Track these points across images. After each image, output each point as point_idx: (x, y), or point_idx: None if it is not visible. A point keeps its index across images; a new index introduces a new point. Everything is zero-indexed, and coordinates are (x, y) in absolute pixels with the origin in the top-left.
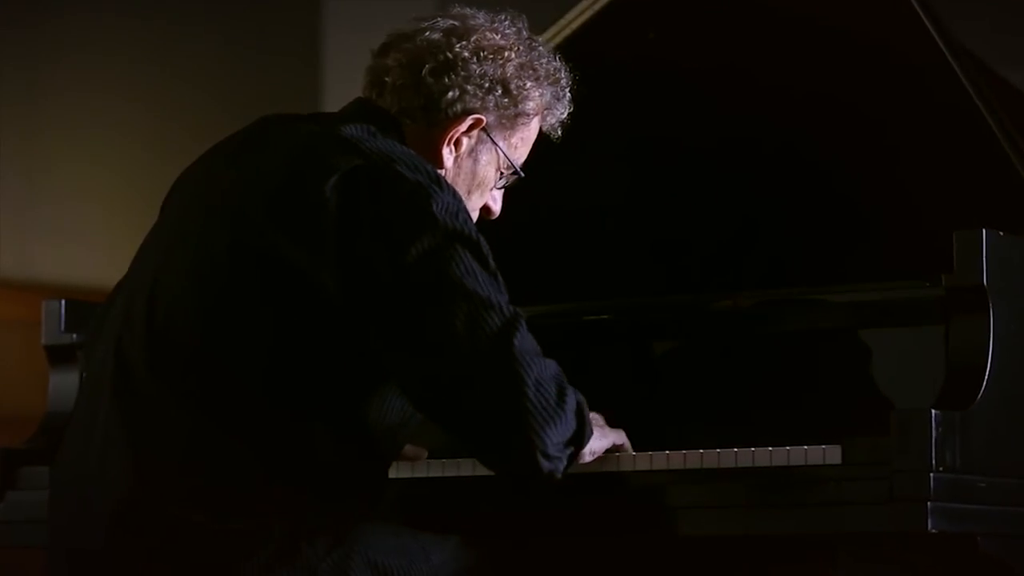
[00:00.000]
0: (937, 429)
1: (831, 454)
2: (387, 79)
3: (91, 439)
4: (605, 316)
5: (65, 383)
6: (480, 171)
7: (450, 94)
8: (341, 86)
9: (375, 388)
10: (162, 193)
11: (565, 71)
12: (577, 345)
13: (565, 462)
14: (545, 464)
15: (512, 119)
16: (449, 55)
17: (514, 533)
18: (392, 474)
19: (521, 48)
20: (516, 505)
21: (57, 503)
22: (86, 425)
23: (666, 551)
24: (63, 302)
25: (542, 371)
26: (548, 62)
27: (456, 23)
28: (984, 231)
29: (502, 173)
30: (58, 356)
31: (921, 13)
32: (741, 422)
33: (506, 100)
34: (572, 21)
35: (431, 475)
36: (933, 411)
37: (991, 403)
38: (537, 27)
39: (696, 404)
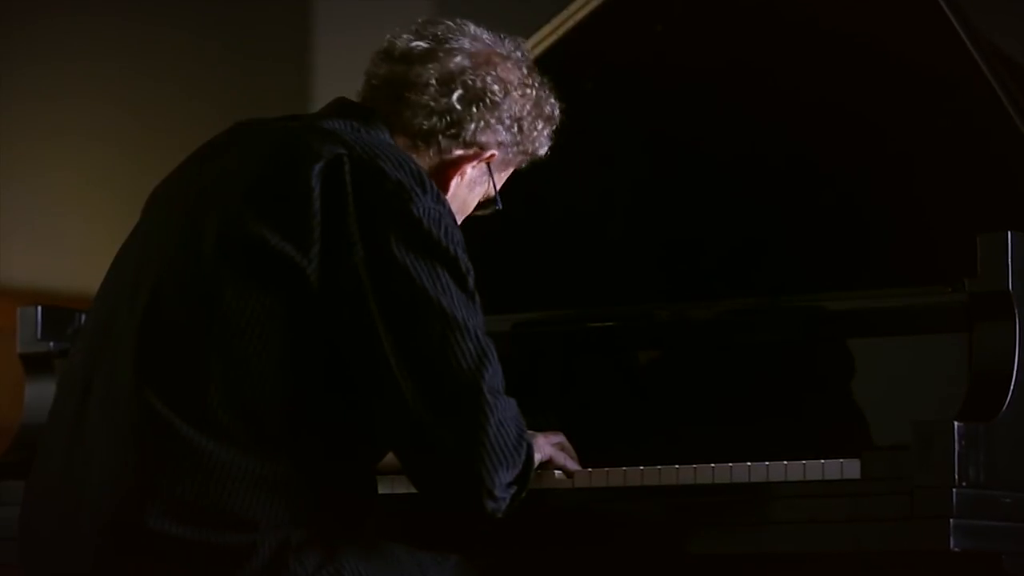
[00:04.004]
0: (960, 442)
1: (849, 468)
2: (410, 95)
3: (73, 454)
4: (610, 323)
5: (42, 393)
6: (470, 201)
7: (474, 125)
8: (332, 89)
9: (362, 390)
10: (142, 198)
11: (559, 111)
12: (581, 352)
13: (508, 501)
14: (490, 504)
15: (514, 156)
16: (478, 84)
17: (516, 553)
18: (388, 490)
19: (535, 84)
20: (519, 524)
21: (33, 521)
22: (67, 438)
23: (675, 569)
24: (39, 308)
25: (505, 411)
26: (549, 99)
27: (477, 48)
28: (1009, 233)
29: (481, 203)
30: (34, 365)
31: (944, 8)
32: (753, 434)
33: (519, 138)
34: (575, 13)
35: None
36: (956, 423)
37: (1017, 414)
38: (537, 19)
39: (705, 415)
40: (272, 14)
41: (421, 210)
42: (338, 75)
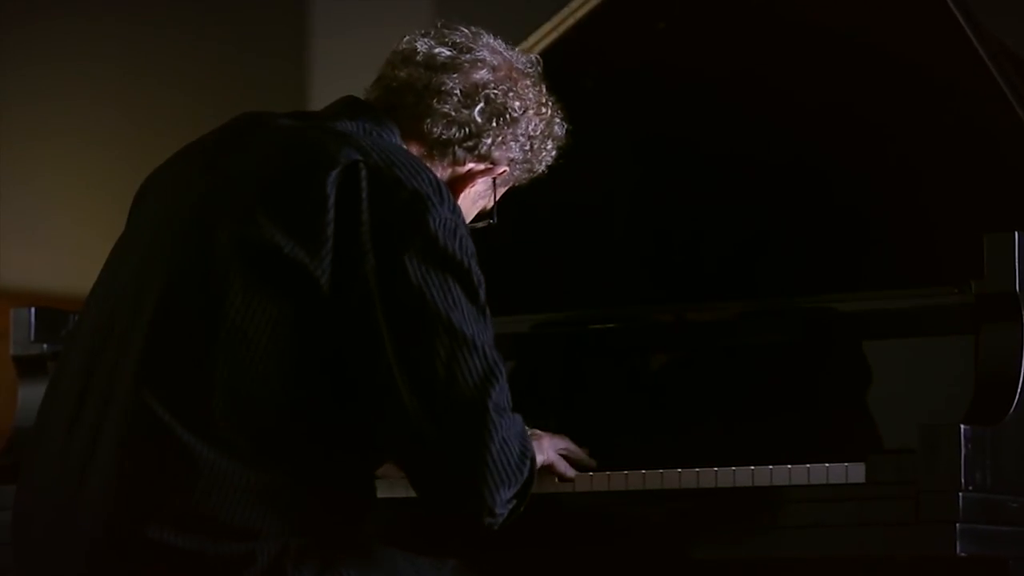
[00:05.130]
0: (967, 446)
1: (854, 472)
2: (432, 102)
3: (68, 458)
4: (611, 324)
5: (35, 396)
6: (469, 214)
7: (491, 139)
8: (329, 87)
9: (367, 401)
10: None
11: (564, 130)
12: (582, 355)
13: (506, 515)
14: (488, 520)
15: (520, 173)
16: (500, 100)
17: (515, 557)
18: (386, 494)
19: (549, 104)
20: (519, 528)
21: (28, 526)
22: (62, 442)
23: (678, 574)
24: (33, 310)
25: (509, 429)
26: (558, 120)
27: (499, 62)
28: (1016, 234)
29: (476, 216)
30: (28, 367)
31: (951, 6)
32: (757, 437)
33: (529, 156)
34: (576, 11)
35: None
36: (962, 426)
37: None
38: (538, 17)
39: (708, 418)
40: (269, 14)
41: (437, 221)
42: (335, 74)
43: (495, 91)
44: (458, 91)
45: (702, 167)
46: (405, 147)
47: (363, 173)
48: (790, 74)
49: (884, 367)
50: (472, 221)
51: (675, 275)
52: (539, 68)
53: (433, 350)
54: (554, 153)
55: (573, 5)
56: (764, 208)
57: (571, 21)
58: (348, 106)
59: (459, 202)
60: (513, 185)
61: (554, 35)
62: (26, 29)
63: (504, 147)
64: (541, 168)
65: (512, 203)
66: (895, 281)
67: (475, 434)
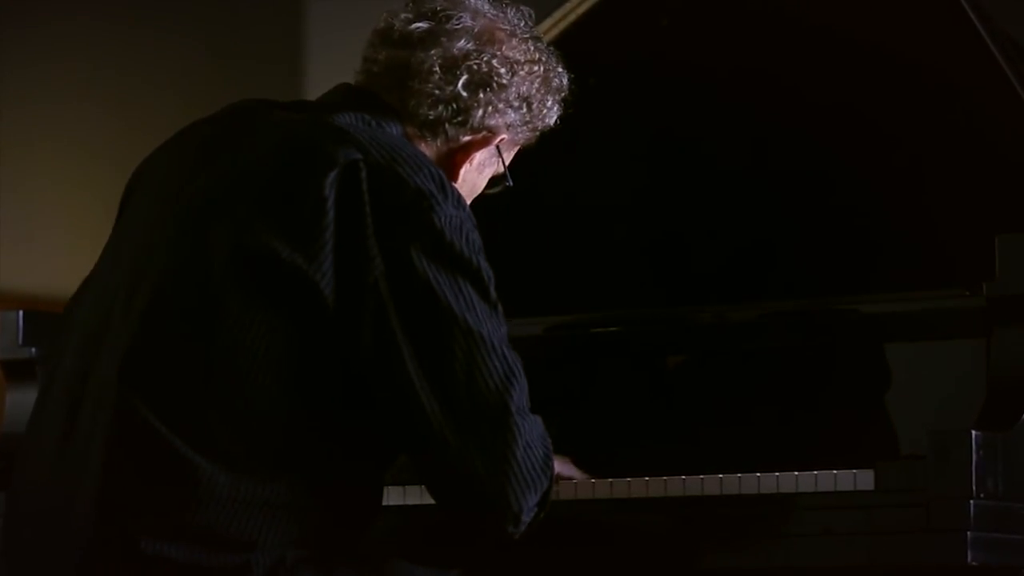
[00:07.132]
0: (978, 452)
1: (863, 479)
2: (413, 83)
3: (62, 466)
4: (614, 328)
5: (23, 401)
6: (480, 183)
7: (481, 110)
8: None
9: (371, 409)
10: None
11: (567, 79)
12: (585, 359)
13: (529, 523)
14: (512, 528)
15: (524, 134)
16: (484, 68)
17: (516, 567)
18: (386, 501)
19: (542, 59)
20: (524, 540)
21: (17, 536)
22: (56, 450)
23: None
24: (20, 313)
25: (532, 431)
26: (556, 70)
27: (481, 25)
28: None
29: (491, 181)
30: (15, 372)
31: (965, 4)
32: (764, 443)
33: (528, 117)
34: (576, 7)
35: (424, 502)
36: (973, 432)
37: None
38: (538, 14)
39: (713, 424)
40: (262, 15)
41: (443, 219)
42: (332, 77)
43: (477, 60)
44: (438, 67)
45: (708, 168)
46: (406, 139)
47: (363, 173)
48: (796, 72)
49: (893, 371)
50: (486, 188)
51: (680, 277)
52: (528, 20)
53: (452, 355)
54: (556, 106)
55: (574, 2)
56: (770, 209)
57: (572, 18)
58: (348, 96)
59: (464, 175)
60: (526, 144)
61: (555, 32)
62: (19, 31)
63: (498, 114)
64: (548, 123)
65: (515, 203)
66: (905, 284)
67: (499, 440)
